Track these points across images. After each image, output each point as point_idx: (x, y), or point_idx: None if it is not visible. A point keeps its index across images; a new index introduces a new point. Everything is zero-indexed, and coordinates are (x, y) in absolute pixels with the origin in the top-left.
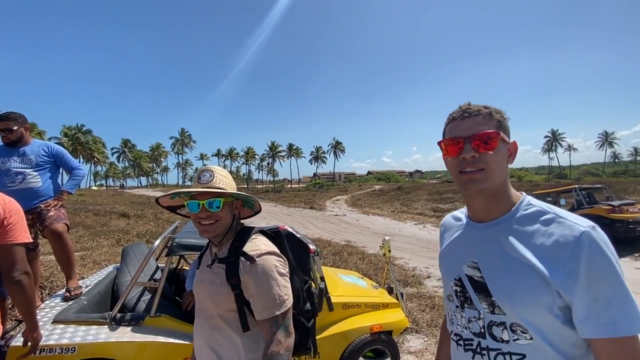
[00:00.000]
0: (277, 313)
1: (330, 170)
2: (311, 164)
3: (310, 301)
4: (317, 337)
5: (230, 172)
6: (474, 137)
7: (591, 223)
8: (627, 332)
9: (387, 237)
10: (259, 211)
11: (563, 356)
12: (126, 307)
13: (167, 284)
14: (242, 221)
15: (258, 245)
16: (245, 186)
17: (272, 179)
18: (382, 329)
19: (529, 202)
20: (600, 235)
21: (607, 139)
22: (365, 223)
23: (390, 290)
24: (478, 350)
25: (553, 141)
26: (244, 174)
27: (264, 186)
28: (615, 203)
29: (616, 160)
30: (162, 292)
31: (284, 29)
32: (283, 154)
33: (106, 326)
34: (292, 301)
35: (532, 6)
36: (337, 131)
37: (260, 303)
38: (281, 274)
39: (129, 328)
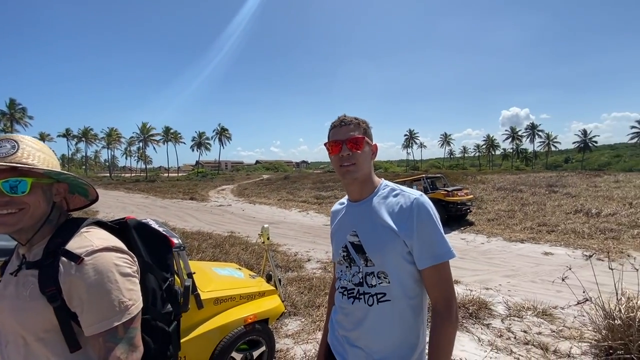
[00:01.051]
0: (116, 324)
1: (215, 158)
2: (193, 150)
3: (172, 301)
4: (183, 340)
5: (86, 157)
6: (349, 140)
7: (420, 193)
8: (441, 260)
9: (265, 225)
10: (96, 199)
11: (408, 289)
12: None
13: None
14: (72, 214)
15: (90, 240)
16: (108, 174)
17: (144, 166)
18: (256, 319)
19: (386, 184)
20: (425, 200)
21: (445, 139)
22: (252, 212)
23: (269, 278)
24: (357, 295)
25: (410, 139)
26: (105, 160)
27: (133, 175)
28: (450, 189)
29: (451, 156)
30: None
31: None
32: (158, 138)
33: None
34: (140, 307)
35: (399, 24)
36: (224, 119)
37: (91, 314)
38: (124, 274)
39: None
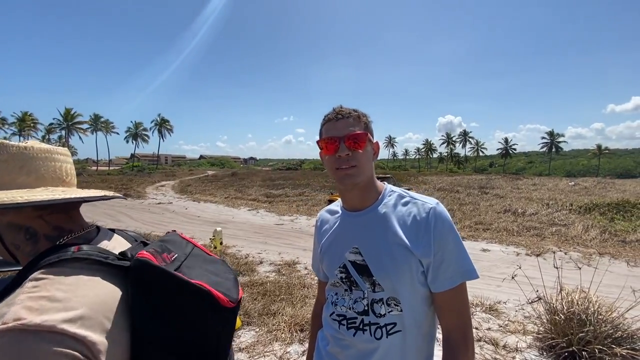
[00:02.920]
0: None
1: (153, 151)
2: (127, 142)
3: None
4: None
5: None
6: (348, 137)
7: (436, 200)
8: (462, 280)
9: (218, 228)
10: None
11: (421, 316)
12: None
13: None
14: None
15: (14, 304)
16: None
17: None
18: None
19: (391, 190)
20: (442, 209)
21: (390, 142)
22: (195, 211)
23: None
24: (361, 326)
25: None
26: None
27: None
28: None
29: (394, 157)
30: None
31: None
32: (85, 126)
33: None
34: None
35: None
36: (164, 110)
37: None
38: None
39: None
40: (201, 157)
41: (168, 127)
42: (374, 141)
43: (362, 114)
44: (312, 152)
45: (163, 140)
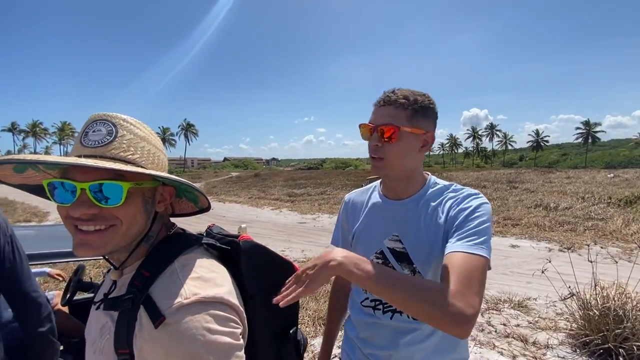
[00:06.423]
0: None
1: (180, 155)
2: None
3: None
4: None
5: (35, 154)
6: (379, 129)
7: (476, 191)
8: (470, 250)
9: (243, 225)
10: (207, 208)
11: None
12: None
13: None
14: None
15: (181, 284)
16: None
17: None
18: None
19: (435, 181)
20: (483, 198)
21: None
22: (221, 211)
23: None
24: (397, 310)
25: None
26: None
27: None
28: None
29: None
30: None
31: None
32: None
33: None
34: None
35: (367, 23)
36: (190, 115)
37: None
38: (220, 350)
39: None
40: (225, 159)
41: (193, 131)
42: (423, 132)
43: (415, 99)
44: (333, 151)
45: (189, 144)
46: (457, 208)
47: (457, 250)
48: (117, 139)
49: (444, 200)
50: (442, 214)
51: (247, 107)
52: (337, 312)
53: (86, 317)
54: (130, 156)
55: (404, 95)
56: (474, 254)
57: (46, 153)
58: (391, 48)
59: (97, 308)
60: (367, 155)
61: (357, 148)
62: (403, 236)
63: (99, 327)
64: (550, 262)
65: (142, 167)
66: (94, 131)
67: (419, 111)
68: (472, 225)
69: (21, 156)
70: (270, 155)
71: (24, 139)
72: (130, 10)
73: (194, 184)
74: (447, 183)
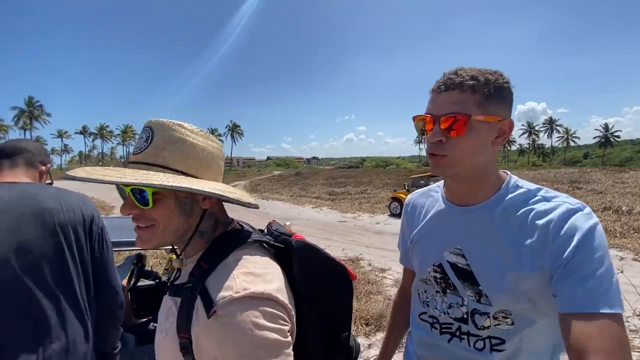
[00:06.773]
0: None
1: (227, 154)
2: None
3: None
4: None
5: (102, 154)
6: (441, 119)
7: (579, 202)
8: (596, 309)
9: (288, 222)
10: (253, 206)
11: (538, 335)
12: None
13: None
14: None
15: (233, 278)
16: None
17: None
18: None
19: (516, 183)
20: (590, 214)
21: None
22: (265, 208)
23: None
24: (457, 334)
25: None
26: (121, 157)
27: None
28: None
29: None
30: None
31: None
32: None
33: None
34: None
35: (408, 19)
36: (234, 115)
37: None
38: (266, 345)
39: None
40: (268, 158)
41: (239, 131)
42: (501, 119)
43: (487, 79)
44: (374, 149)
45: (235, 144)
46: (562, 232)
47: (589, 311)
48: (151, 145)
49: (532, 213)
50: (530, 232)
51: (288, 106)
52: (401, 319)
53: (143, 303)
54: (162, 159)
55: (471, 76)
56: (613, 313)
57: (111, 153)
58: (436, 42)
59: (166, 293)
60: (408, 154)
61: (398, 146)
62: (467, 251)
63: (166, 310)
64: (622, 272)
65: (170, 169)
66: (139, 138)
67: (493, 93)
68: (594, 266)
69: (71, 172)
70: (310, 154)
71: (93, 140)
72: (162, 15)
73: (215, 192)
74: (533, 187)
